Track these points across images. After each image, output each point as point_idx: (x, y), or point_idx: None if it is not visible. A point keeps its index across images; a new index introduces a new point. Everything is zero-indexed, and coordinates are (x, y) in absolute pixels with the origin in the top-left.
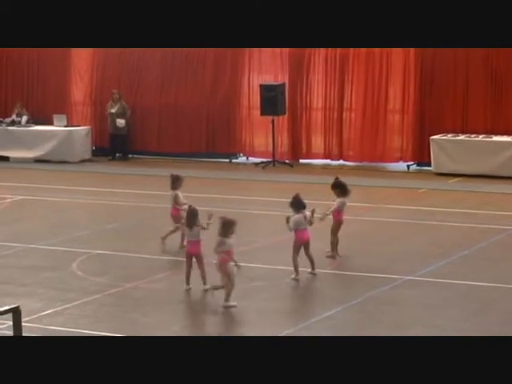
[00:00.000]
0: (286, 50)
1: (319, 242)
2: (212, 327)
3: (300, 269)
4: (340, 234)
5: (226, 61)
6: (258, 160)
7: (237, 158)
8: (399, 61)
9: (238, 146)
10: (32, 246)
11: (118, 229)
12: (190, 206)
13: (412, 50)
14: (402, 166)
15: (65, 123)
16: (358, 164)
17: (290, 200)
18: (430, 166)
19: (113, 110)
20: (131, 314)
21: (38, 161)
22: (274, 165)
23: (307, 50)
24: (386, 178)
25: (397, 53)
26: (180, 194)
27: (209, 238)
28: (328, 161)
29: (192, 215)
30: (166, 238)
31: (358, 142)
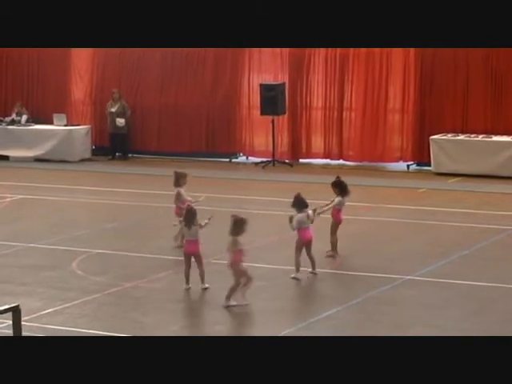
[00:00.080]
0: (286, 50)
1: (319, 243)
2: (211, 327)
3: (301, 268)
4: (340, 233)
5: (226, 61)
6: (258, 160)
7: (237, 158)
8: (399, 61)
9: (238, 145)
10: (32, 245)
11: (117, 228)
12: (188, 206)
13: (412, 49)
14: (401, 165)
15: (65, 122)
16: (358, 164)
17: (290, 200)
18: (429, 165)
19: (113, 110)
20: (131, 314)
21: (37, 160)
22: (273, 164)
23: (307, 50)
24: (386, 178)
25: (397, 53)
26: (183, 191)
27: (209, 238)
28: (328, 160)
29: (191, 214)
30: (178, 238)
31: (357, 141)
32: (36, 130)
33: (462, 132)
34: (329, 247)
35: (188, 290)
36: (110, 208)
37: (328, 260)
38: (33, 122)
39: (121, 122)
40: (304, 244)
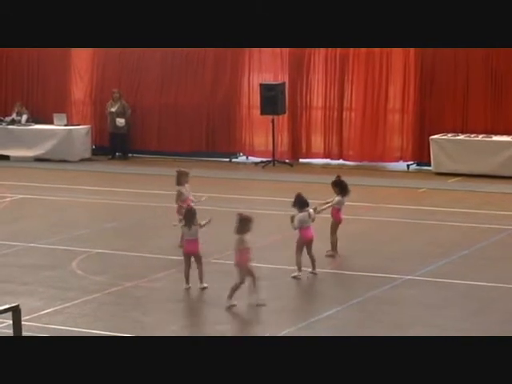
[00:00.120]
0: (286, 50)
1: (319, 242)
2: (211, 326)
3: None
4: (340, 233)
5: (226, 60)
6: (258, 159)
7: (237, 158)
8: (399, 60)
9: (238, 145)
10: (32, 244)
11: (117, 228)
12: (188, 205)
13: (412, 49)
14: (401, 165)
15: (65, 122)
16: (358, 163)
17: (290, 200)
18: (429, 165)
19: (113, 109)
20: (131, 313)
21: (38, 160)
22: (273, 164)
23: (307, 50)
24: (386, 178)
25: (397, 52)
26: (185, 189)
27: (209, 238)
28: (328, 160)
29: (190, 214)
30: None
31: (357, 141)
32: (36, 129)
33: (462, 132)
34: (329, 247)
35: (188, 289)
36: (109, 208)
37: (328, 260)
38: (33, 121)
39: (121, 121)
40: (305, 243)
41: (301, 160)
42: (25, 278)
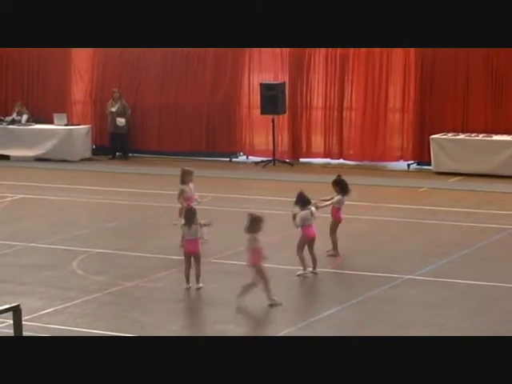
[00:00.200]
0: (286, 50)
1: (319, 242)
2: (211, 326)
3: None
4: (340, 233)
5: (227, 60)
6: (259, 159)
7: (237, 157)
8: (399, 60)
9: (239, 144)
10: (32, 244)
11: (118, 227)
12: (188, 205)
13: (412, 49)
14: (402, 165)
15: (65, 122)
16: (359, 163)
17: (291, 199)
18: (430, 165)
19: (113, 109)
20: (131, 313)
21: (38, 159)
22: (274, 164)
23: (307, 50)
24: (386, 177)
25: (397, 52)
26: (188, 188)
27: (209, 238)
28: (328, 160)
29: (190, 214)
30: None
31: (358, 140)
32: (36, 129)
33: (463, 131)
34: (329, 246)
35: (188, 289)
36: (110, 207)
37: (328, 259)
38: (33, 121)
39: (121, 121)
40: (307, 241)
41: (301, 159)
42: (25, 277)
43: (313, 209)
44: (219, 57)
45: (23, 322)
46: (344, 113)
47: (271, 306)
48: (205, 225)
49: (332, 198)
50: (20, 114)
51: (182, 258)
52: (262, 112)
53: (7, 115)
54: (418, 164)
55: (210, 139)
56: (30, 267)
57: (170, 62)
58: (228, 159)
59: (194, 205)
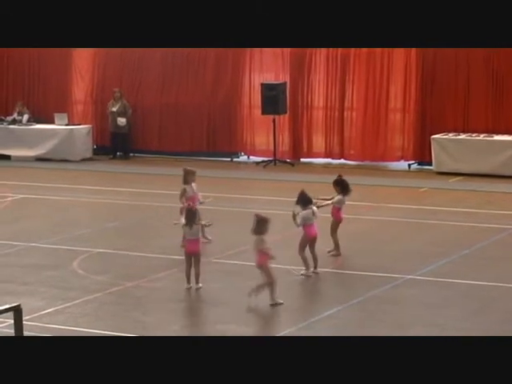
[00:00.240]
0: (287, 50)
1: (319, 241)
2: (212, 326)
3: (302, 267)
4: (341, 232)
5: (227, 60)
6: (259, 159)
7: (238, 157)
8: (400, 60)
9: (239, 144)
10: (33, 244)
11: (119, 227)
12: (188, 205)
13: (413, 49)
14: (403, 165)
15: (66, 122)
16: (359, 163)
17: (292, 199)
18: (431, 165)
19: (114, 109)
20: (132, 313)
21: (39, 159)
22: (275, 164)
23: (308, 50)
24: (387, 177)
25: (398, 52)
26: (190, 188)
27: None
28: (329, 160)
29: (191, 214)
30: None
31: (359, 140)
32: (37, 129)
33: (464, 131)
34: (329, 246)
35: (189, 289)
36: (111, 207)
37: (329, 259)
38: (34, 121)
39: (122, 121)
40: (309, 240)
41: (302, 159)
42: (26, 277)
43: (314, 208)
44: (220, 57)
45: (24, 322)
46: (345, 113)
47: (272, 305)
48: (205, 225)
49: (332, 198)
50: (21, 113)
51: (183, 257)
52: (263, 112)
53: (8, 115)
54: (419, 164)
55: (211, 139)
56: (31, 267)
57: (171, 62)
58: (229, 159)
59: (197, 205)
